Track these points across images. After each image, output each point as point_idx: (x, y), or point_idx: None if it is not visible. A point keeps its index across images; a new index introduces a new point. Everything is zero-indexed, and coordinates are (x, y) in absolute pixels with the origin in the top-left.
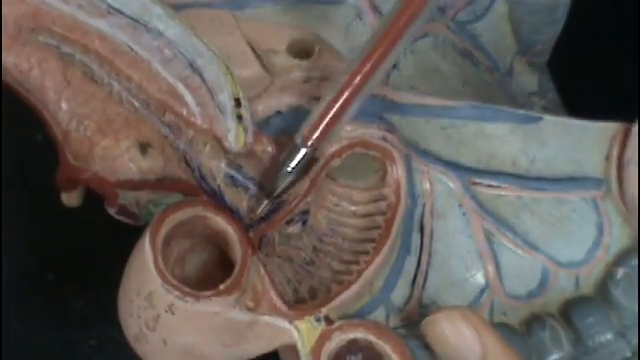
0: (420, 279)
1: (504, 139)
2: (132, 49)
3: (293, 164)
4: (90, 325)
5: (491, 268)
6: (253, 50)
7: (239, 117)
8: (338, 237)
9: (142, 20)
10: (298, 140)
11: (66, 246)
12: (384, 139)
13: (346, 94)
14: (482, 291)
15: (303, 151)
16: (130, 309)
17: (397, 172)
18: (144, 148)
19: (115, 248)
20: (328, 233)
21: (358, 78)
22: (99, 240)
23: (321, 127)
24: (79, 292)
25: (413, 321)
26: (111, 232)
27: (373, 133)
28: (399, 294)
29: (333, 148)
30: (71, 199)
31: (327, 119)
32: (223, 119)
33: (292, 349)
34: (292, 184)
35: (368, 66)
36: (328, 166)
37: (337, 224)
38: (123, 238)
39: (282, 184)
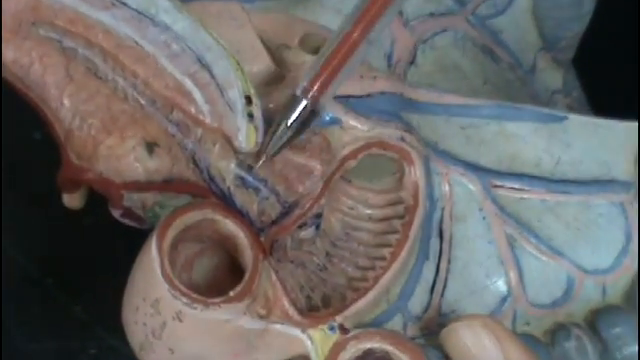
0: (439, 286)
1: (527, 139)
2: (137, 44)
3: (293, 117)
4: (90, 332)
5: (513, 275)
6: (264, 44)
7: (250, 115)
8: (353, 242)
9: (148, 13)
10: (298, 92)
11: (66, 250)
12: (402, 139)
13: (348, 43)
14: (504, 299)
15: (303, 103)
16: (135, 316)
17: (415, 174)
18: (151, 147)
19: (116, 253)
20: (342, 237)
21: (360, 27)
22: (100, 244)
23: (323, 77)
24: (79, 298)
25: (432, 330)
26: (112, 236)
27: (391, 133)
28: (417, 302)
29: (348, 149)
30: (73, 201)
31: (329, 69)
32: (233, 117)
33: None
34: (291, 140)
35: (369, 15)
36: (343, 167)
37: (352, 228)
38: (125, 243)
39: (281, 140)
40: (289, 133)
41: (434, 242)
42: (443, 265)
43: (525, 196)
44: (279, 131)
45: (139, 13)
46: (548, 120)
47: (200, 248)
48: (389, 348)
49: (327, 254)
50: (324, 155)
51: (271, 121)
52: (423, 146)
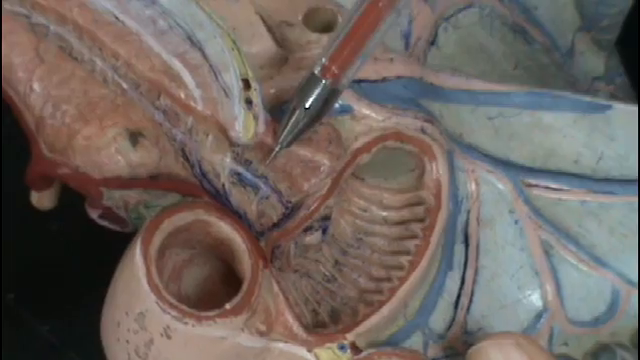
0: (464, 300)
1: (565, 132)
2: (118, 19)
3: (312, 99)
4: (59, 356)
5: (550, 288)
6: (264, 21)
7: (248, 102)
8: (366, 248)
9: None
10: (316, 71)
11: (31, 260)
12: (422, 131)
13: (374, 12)
14: (539, 315)
15: (322, 83)
16: (117, 332)
17: (437, 171)
18: (135, 137)
19: (90, 263)
20: (354, 244)
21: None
22: (70, 253)
23: (345, 52)
24: (46, 316)
25: (456, 350)
26: (86, 243)
27: (409, 123)
28: (439, 318)
29: (361, 141)
30: (43, 200)
31: (352, 43)
32: (229, 104)
33: None
34: (309, 126)
35: None
36: (355, 163)
37: (365, 233)
38: (100, 250)
39: (297, 127)
40: (306, 119)
41: (459, 249)
42: (469, 276)
43: (563, 197)
44: (295, 116)
45: None
46: (589, 110)
47: (190, 255)
48: None
49: (336, 262)
50: (333, 148)
51: (273, 109)
52: (446, 139)
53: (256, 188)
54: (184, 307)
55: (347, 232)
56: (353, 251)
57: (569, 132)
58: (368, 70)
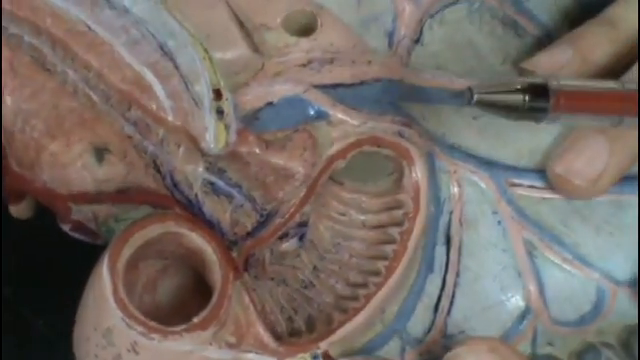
0: (445, 303)
1: (551, 130)
2: (91, 29)
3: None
4: (53, 348)
5: (533, 288)
6: (242, 25)
7: (219, 112)
8: (344, 253)
9: None
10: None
11: (27, 255)
12: (399, 134)
13: None
14: (522, 316)
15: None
16: (87, 347)
17: (416, 174)
18: (100, 153)
19: (86, 258)
20: (332, 249)
21: None
22: (67, 248)
23: None
24: (42, 311)
25: (434, 355)
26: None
27: (386, 127)
28: (418, 322)
29: (336, 147)
30: (21, 211)
31: None
32: (199, 114)
33: None
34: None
35: None
36: (330, 168)
37: (343, 237)
38: (96, 246)
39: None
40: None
41: (440, 251)
42: (450, 278)
43: (547, 195)
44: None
45: None
46: None
47: (163, 265)
48: None
49: (314, 268)
50: (307, 156)
51: (247, 116)
52: (426, 140)
53: (230, 197)
54: (151, 323)
55: (326, 237)
56: (331, 256)
57: (555, 130)
58: (344, 74)
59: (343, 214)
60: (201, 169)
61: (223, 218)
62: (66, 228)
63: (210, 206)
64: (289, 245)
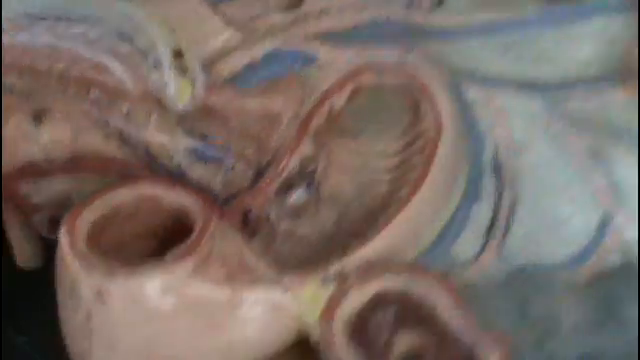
0: (499, 227)
1: (590, 40)
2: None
3: None
4: None
5: (607, 192)
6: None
7: (181, 69)
8: (369, 198)
9: (64, 16)
10: None
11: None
12: (402, 60)
13: None
14: (603, 225)
15: None
16: (67, 322)
17: (431, 94)
18: (38, 117)
19: None
20: (357, 199)
21: None
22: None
23: None
24: (24, 327)
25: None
26: None
27: (385, 54)
28: (466, 247)
29: (328, 81)
30: None
31: None
32: (158, 74)
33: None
34: None
35: None
36: (325, 105)
37: (368, 186)
38: None
39: None
40: None
41: (488, 181)
42: (505, 203)
43: (597, 103)
44: None
45: (57, 19)
46: (622, 9)
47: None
48: (405, 285)
49: (337, 219)
50: (292, 94)
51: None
52: (442, 71)
53: (219, 160)
54: (112, 261)
55: (347, 190)
56: (355, 205)
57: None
58: (333, 20)
59: (363, 166)
60: (180, 137)
61: (213, 182)
62: (43, 231)
63: (198, 172)
64: (296, 197)
